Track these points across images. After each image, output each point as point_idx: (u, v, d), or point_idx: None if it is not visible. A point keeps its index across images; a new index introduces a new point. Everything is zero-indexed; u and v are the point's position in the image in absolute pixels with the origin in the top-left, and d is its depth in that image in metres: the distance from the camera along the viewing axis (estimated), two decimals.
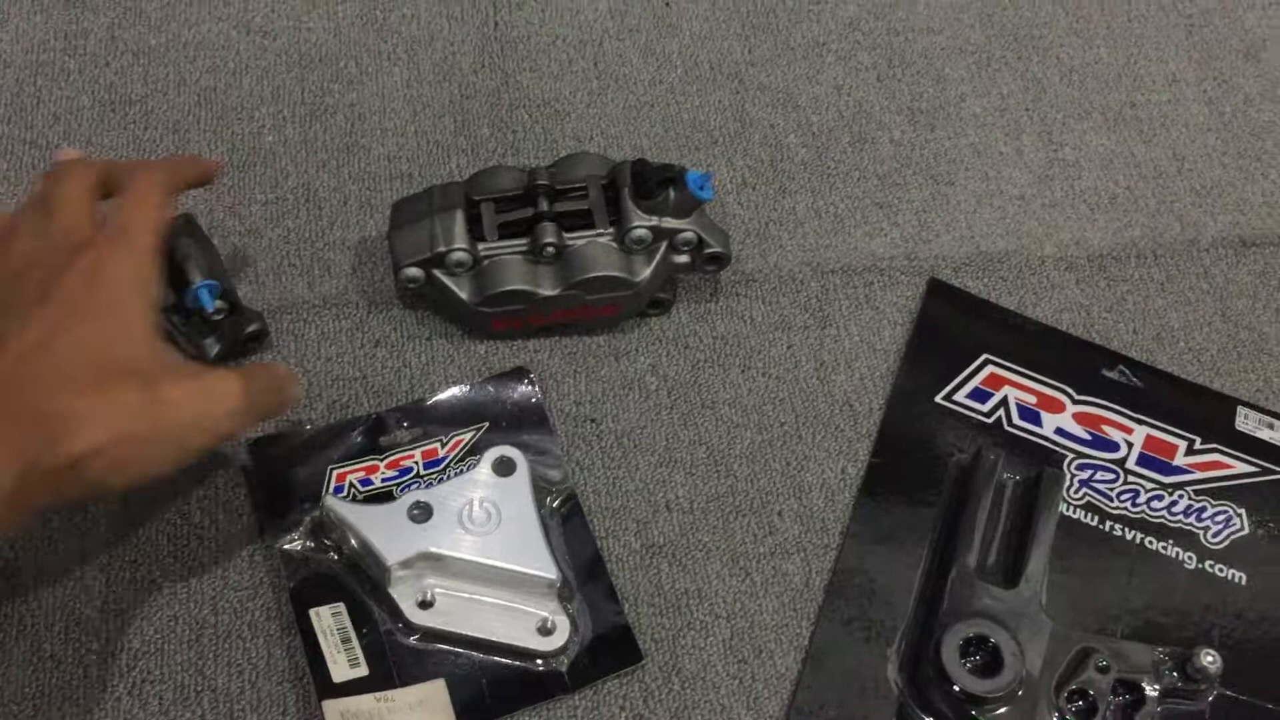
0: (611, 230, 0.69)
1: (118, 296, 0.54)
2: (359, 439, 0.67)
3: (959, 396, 0.74)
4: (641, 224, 0.68)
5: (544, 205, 0.68)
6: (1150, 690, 0.64)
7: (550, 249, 0.68)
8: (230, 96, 0.80)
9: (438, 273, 0.68)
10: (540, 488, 0.66)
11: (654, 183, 0.68)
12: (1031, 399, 0.74)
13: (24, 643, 0.61)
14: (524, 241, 0.68)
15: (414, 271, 0.68)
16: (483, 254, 0.68)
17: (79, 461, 0.50)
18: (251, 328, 0.68)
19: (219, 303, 0.65)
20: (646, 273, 0.70)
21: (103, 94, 0.79)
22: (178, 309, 0.64)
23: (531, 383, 0.70)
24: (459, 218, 0.67)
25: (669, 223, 0.69)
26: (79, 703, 0.60)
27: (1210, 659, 0.64)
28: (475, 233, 0.68)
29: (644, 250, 0.70)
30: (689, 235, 0.70)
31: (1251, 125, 0.88)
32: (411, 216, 0.68)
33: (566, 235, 0.68)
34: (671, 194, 0.68)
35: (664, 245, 0.70)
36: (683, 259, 0.71)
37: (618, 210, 0.69)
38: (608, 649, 0.63)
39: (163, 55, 0.81)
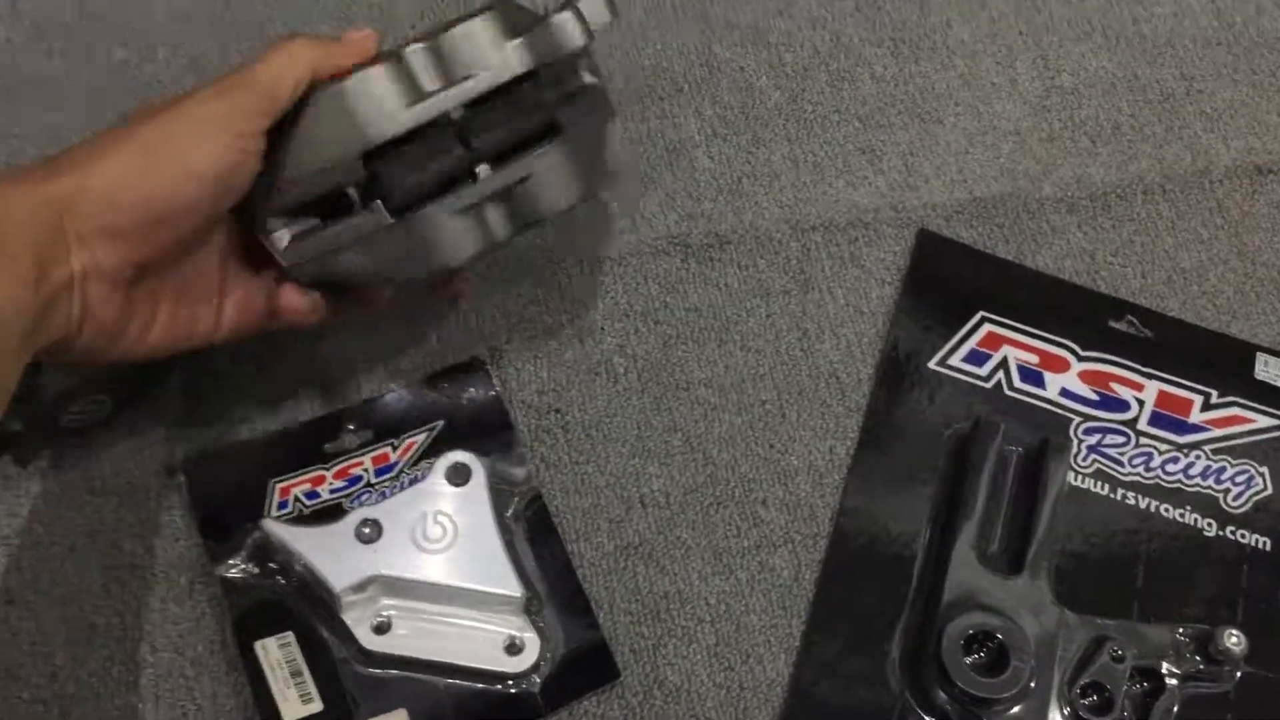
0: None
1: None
2: (303, 447, 0.62)
3: (955, 360, 0.68)
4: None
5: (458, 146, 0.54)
6: (1169, 676, 0.59)
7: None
8: (144, 71, 0.73)
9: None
10: (502, 490, 0.61)
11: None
12: (1033, 359, 0.68)
13: None
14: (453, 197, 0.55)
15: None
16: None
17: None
18: None
19: None
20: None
21: (4, 76, 0.72)
22: None
23: (488, 374, 0.65)
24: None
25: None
26: None
27: (1234, 639, 0.59)
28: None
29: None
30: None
31: (1266, 37, 0.81)
32: None
33: (509, 163, 0.55)
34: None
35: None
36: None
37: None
38: (582, 665, 0.58)
39: (69, 27, 0.74)
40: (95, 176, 0.49)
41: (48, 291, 0.47)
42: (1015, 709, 0.57)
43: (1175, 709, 0.59)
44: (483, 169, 0.55)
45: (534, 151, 0.55)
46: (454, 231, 0.55)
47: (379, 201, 0.54)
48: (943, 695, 0.58)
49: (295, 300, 0.57)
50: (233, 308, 0.57)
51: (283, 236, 0.55)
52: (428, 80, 0.53)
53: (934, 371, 0.68)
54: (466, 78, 0.53)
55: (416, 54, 0.53)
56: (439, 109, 0.53)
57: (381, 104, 0.52)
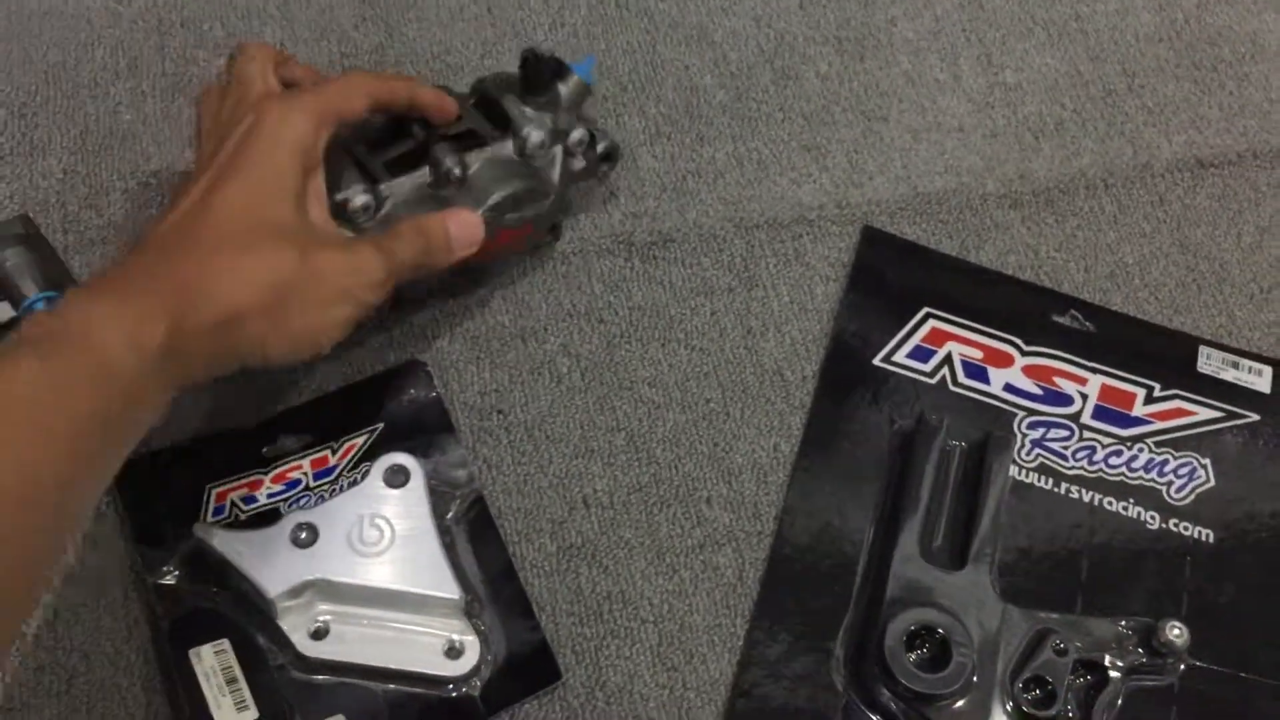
0: (508, 141, 0.63)
1: (269, 156, 0.53)
2: (240, 451, 0.61)
3: (899, 357, 0.68)
4: (538, 128, 0.62)
5: (420, 132, 0.62)
6: (1113, 669, 0.59)
7: (456, 173, 0.60)
8: (81, 72, 0.72)
9: (340, 228, 0.59)
10: (443, 493, 0.61)
11: (547, 73, 0.63)
12: (977, 354, 0.68)
13: None
14: (421, 172, 0.61)
15: None
16: (384, 194, 0.60)
17: (226, 323, 0.50)
18: None
19: None
20: (555, 178, 0.64)
21: None
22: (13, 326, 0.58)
23: (428, 375, 0.64)
24: (346, 162, 0.60)
25: (563, 121, 0.64)
26: None
27: (1176, 632, 0.59)
28: (365, 176, 0.60)
29: (545, 158, 0.64)
30: (581, 134, 0.65)
31: (1206, 32, 0.82)
32: None
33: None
34: (561, 87, 0.64)
35: (559, 151, 0.64)
36: (578, 163, 0.66)
37: (503, 120, 0.63)
38: (523, 667, 0.58)
39: (3, 29, 0.73)
40: (218, 333, 0.50)
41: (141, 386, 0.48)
42: (959, 704, 0.57)
43: (1119, 702, 0.59)
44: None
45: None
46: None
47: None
48: (886, 693, 0.58)
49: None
50: None
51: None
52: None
53: (878, 368, 0.67)
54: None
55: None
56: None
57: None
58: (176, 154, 0.70)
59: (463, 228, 0.59)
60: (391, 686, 0.56)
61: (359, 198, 0.58)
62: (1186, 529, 0.64)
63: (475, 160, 0.62)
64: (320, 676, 0.56)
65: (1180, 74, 0.80)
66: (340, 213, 0.58)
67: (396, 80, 0.61)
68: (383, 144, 0.62)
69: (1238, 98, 0.79)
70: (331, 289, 0.53)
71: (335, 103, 0.56)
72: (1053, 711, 0.57)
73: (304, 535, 0.57)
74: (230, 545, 0.56)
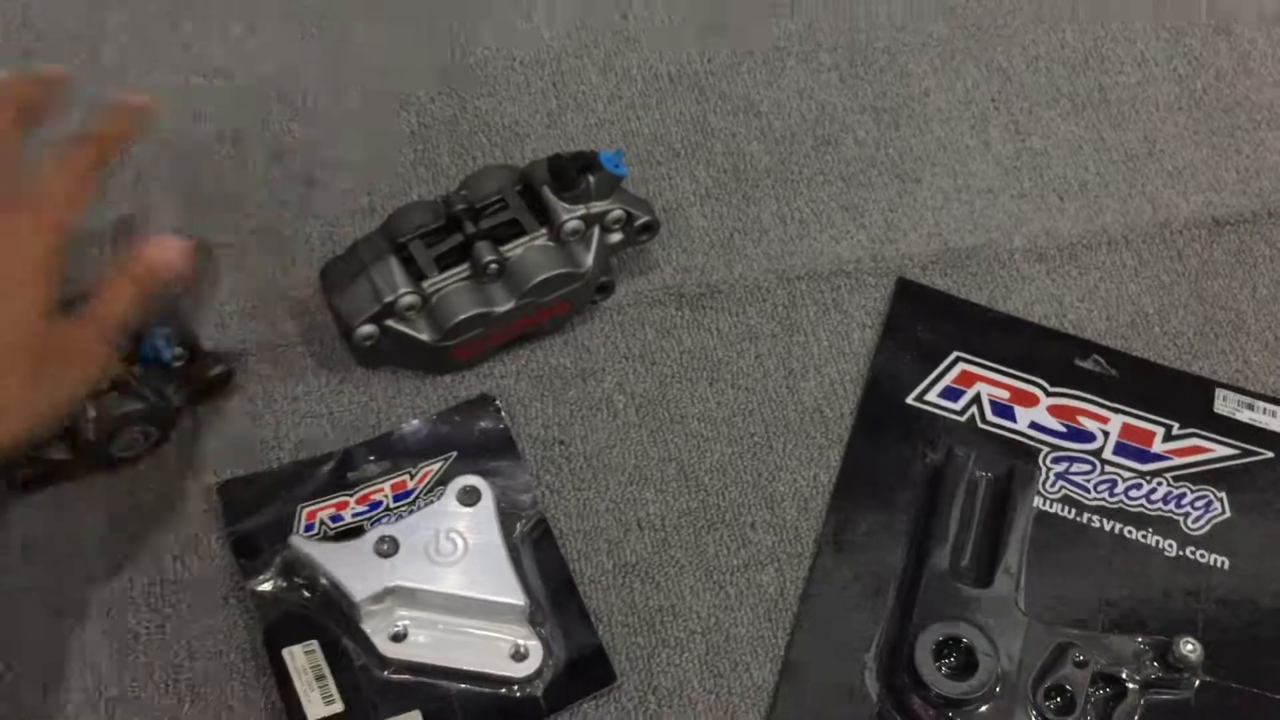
0: (543, 230, 0.70)
1: (21, 275, 0.53)
2: (328, 475, 0.68)
3: (931, 396, 0.73)
4: (571, 216, 0.70)
5: (470, 227, 0.69)
6: (1131, 683, 0.63)
7: (494, 266, 0.69)
8: (188, 142, 0.80)
9: (391, 323, 0.68)
10: (510, 514, 0.67)
11: (573, 173, 0.70)
12: (1004, 394, 0.73)
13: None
14: (464, 267, 0.69)
15: (367, 329, 0.68)
16: (430, 290, 0.68)
17: None
18: (214, 372, 0.68)
19: (178, 350, 0.66)
20: (589, 260, 0.71)
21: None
22: (134, 359, 0.65)
23: (497, 409, 0.71)
24: (394, 263, 0.68)
25: (596, 206, 0.71)
26: None
27: (1190, 647, 0.63)
28: (414, 273, 0.68)
29: (580, 240, 0.71)
30: (618, 213, 0.72)
31: (1224, 102, 0.87)
32: (345, 276, 0.69)
33: (502, 248, 0.69)
34: (591, 179, 0.70)
35: (596, 229, 0.71)
36: (616, 237, 0.73)
37: (542, 209, 0.70)
38: (582, 671, 0.63)
39: None
40: None
41: None
42: (984, 709, 0.62)
43: (1137, 715, 0.63)
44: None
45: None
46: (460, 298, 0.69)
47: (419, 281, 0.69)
48: (917, 700, 0.62)
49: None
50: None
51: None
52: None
53: (911, 407, 0.73)
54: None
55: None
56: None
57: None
58: (273, 215, 0.78)
59: (159, 253, 0.59)
60: (462, 686, 0.62)
61: (406, 298, 0.68)
62: (1203, 556, 0.68)
63: (515, 249, 0.70)
64: (399, 675, 0.62)
65: (1199, 139, 0.85)
66: (389, 311, 0.67)
67: (96, 141, 0.59)
68: (436, 235, 0.70)
69: (1254, 161, 0.84)
70: (65, 388, 0.56)
71: (80, 197, 0.56)
72: (1072, 718, 0.61)
73: (386, 547, 0.63)
74: (320, 554, 0.63)
